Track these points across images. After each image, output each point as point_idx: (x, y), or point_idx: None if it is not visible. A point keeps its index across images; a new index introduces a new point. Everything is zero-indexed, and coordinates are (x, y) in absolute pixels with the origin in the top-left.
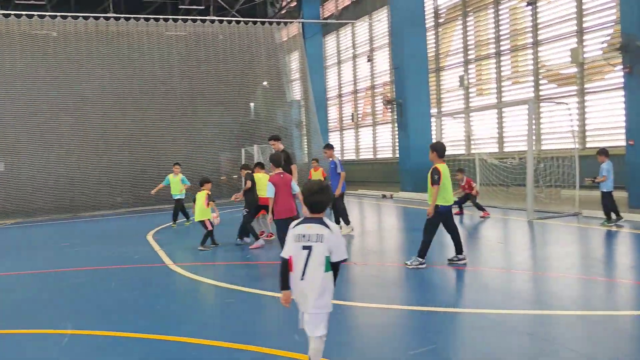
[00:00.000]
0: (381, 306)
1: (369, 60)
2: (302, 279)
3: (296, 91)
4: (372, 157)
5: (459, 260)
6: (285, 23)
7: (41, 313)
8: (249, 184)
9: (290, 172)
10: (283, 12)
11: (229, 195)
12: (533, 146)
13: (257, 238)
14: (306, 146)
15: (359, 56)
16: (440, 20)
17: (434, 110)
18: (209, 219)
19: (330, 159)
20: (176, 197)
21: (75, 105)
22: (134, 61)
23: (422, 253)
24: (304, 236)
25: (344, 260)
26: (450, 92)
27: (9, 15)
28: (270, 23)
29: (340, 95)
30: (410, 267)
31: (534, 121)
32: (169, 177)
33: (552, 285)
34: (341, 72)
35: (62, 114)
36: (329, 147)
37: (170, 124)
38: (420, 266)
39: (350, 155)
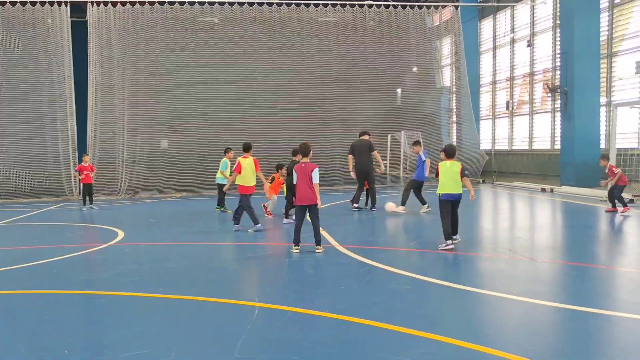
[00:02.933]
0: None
1: (528, 45)
2: None
3: (446, 77)
4: (527, 147)
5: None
6: (438, 7)
7: (228, 284)
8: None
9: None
10: None
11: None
12: None
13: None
14: (455, 133)
15: (517, 41)
16: (617, 1)
17: (603, 100)
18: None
19: (417, 153)
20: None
21: (235, 89)
22: (289, 47)
23: (446, 235)
24: None
25: None
26: (625, 79)
27: (174, 3)
28: (420, 7)
29: (494, 82)
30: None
31: None
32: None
33: None
34: (496, 57)
35: (221, 96)
36: (417, 143)
37: (321, 109)
38: (446, 247)
39: (502, 145)
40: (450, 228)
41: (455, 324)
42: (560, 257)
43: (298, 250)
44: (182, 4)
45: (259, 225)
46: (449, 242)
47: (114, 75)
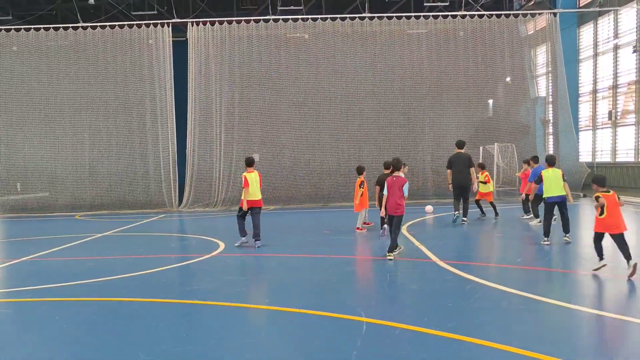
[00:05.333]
0: None
1: (634, 52)
2: None
3: (541, 87)
4: (633, 160)
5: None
6: (533, 15)
7: (332, 297)
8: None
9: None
10: (531, 3)
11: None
12: None
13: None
14: (551, 145)
15: (621, 47)
16: None
17: None
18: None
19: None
20: None
21: (325, 100)
22: (379, 60)
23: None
24: None
25: None
26: None
27: (268, 20)
28: (516, 16)
29: (594, 91)
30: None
31: None
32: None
33: None
34: (597, 65)
35: (311, 110)
36: (535, 159)
37: (414, 120)
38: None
39: (605, 158)
40: (562, 227)
41: (577, 347)
42: None
43: (393, 256)
44: (276, 20)
45: (244, 239)
46: (546, 238)
47: (211, 92)
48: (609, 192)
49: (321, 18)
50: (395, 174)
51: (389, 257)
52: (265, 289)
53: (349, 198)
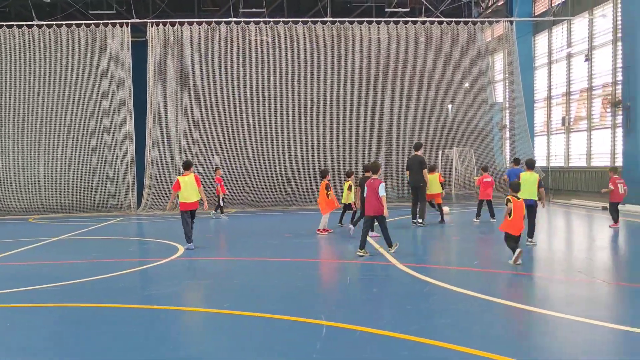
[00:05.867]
0: None
1: (586, 60)
2: None
3: (499, 93)
4: (585, 164)
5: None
6: (491, 23)
7: (292, 300)
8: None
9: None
10: (489, 11)
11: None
12: None
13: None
14: (508, 149)
15: (574, 55)
16: None
17: None
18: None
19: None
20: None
21: (287, 105)
22: (340, 63)
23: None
24: None
25: None
26: None
27: (230, 22)
28: (474, 23)
29: (549, 98)
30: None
31: None
32: None
33: None
34: (552, 73)
35: (273, 113)
36: (516, 161)
37: (374, 125)
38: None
39: (559, 162)
40: (527, 232)
41: (531, 347)
42: (627, 279)
43: (364, 254)
44: (237, 23)
45: (191, 245)
46: (531, 239)
47: (171, 93)
48: (518, 198)
49: (283, 21)
50: (373, 176)
51: (391, 251)
52: (225, 293)
53: (311, 201)
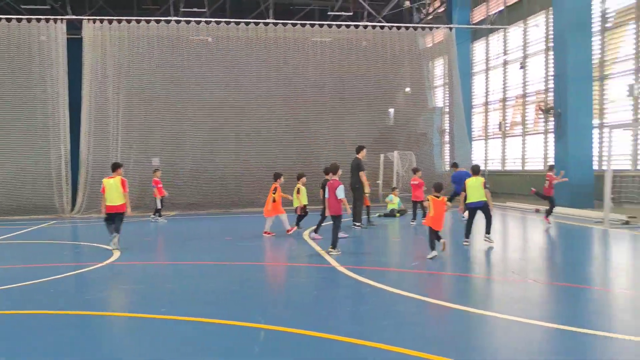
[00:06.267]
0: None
1: (521, 67)
2: None
3: (439, 98)
4: (520, 168)
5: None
6: (431, 29)
7: (231, 304)
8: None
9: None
10: (429, 17)
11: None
12: None
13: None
14: (447, 153)
15: (510, 63)
16: (608, 25)
17: (595, 122)
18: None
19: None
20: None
21: (229, 107)
22: (282, 65)
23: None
24: None
25: None
26: (616, 102)
27: (170, 21)
28: (415, 29)
29: (486, 103)
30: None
31: None
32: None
33: None
34: (489, 79)
35: (217, 115)
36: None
37: (315, 127)
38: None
39: (495, 166)
40: (485, 228)
41: (468, 347)
42: (559, 279)
43: (337, 253)
44: (178, 22)
45: (114, 234)
46: (466, 239)
47: (107, 93)
48: (439, 197)
49: (225, 22)
50: (333, 177)
51: (332, 253)
52: (161, 298)
53: (254, 204)
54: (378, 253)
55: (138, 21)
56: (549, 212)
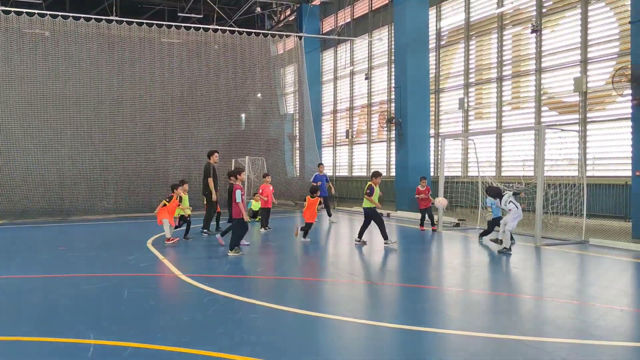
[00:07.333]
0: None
1: (366, 78)
2: None
3: (290, 105)
4: (365, 174)
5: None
6: (282, 36)
7: (61, 320)
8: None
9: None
10: (280, 25)
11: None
12: (540, 172)
13: None
14: (297, 159)
15: (356, 73)
16: (442, 43)
17: (432, 131)
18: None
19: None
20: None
21: (66, 107)
22: (128, 65)
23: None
24: None
25: None
26: (449, 114)
27: (10, 12)
28: (266, 35)
29: (335, 111)
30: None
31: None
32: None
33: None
34: (337, 88)
35: (53, 115)
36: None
37: (164, 131)
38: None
39: (343, 172)
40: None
41: (302, 350)
42: (397, 280)
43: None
44: (7, 12)
45: None
46: (359, 239)
47: None
48: (313, 197)
49: (62, 16)
50: (236, 182)
51: (230, 254)
52: None
53: (94, 212)
54: (224, 261)
55: None
56: (432, 222)
